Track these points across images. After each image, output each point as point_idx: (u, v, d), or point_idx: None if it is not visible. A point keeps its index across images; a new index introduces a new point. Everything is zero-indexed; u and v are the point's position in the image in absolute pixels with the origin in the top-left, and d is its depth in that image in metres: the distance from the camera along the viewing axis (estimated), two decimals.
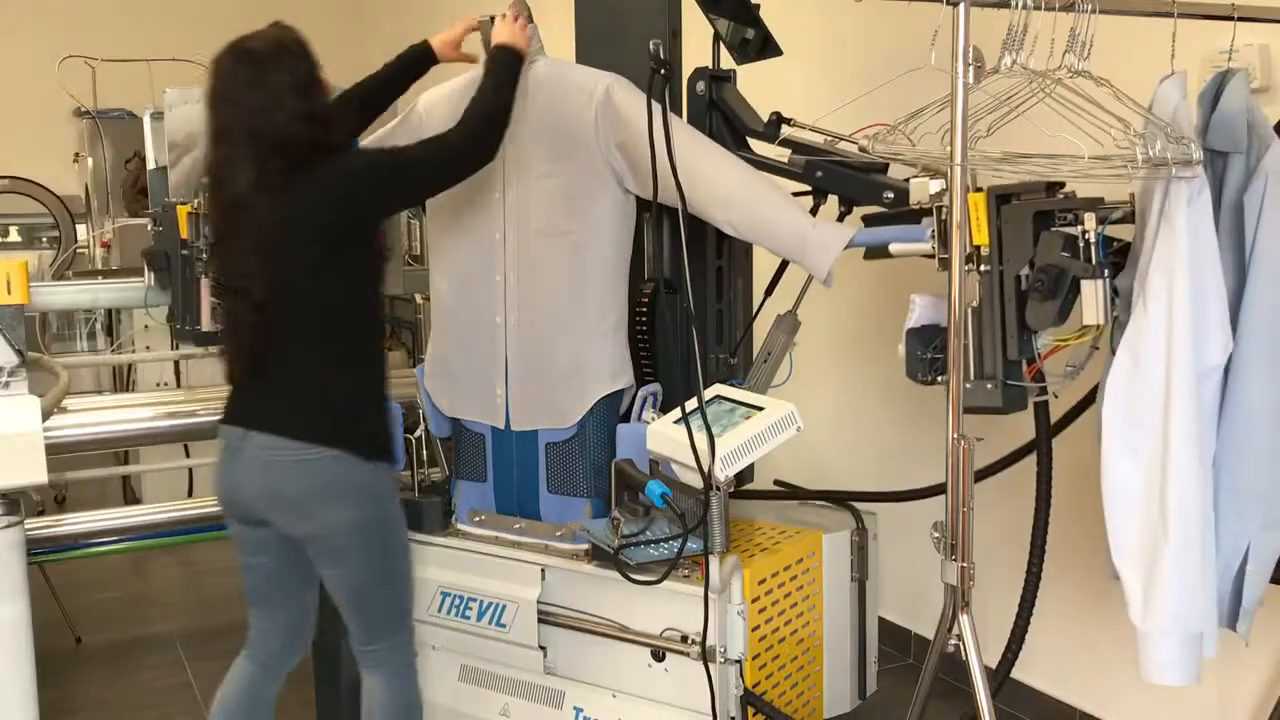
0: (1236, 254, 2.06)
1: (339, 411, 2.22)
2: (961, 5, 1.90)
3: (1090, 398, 2.41)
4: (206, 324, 3.23)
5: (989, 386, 2.06)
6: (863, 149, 2.24)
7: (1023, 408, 2.10)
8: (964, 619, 2.06)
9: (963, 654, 2.07)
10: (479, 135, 2.33)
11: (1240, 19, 2.09)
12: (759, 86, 2.83)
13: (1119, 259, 2.11)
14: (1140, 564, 2.02)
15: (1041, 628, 3.05)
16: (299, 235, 2.14)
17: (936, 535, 2.09)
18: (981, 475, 2.50)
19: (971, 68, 1.94)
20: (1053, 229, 2.03)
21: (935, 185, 2.02)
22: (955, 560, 2.06)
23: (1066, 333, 2.08)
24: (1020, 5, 1.94)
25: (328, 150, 2.16)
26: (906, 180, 2.18)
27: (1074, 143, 1.95)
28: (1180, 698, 2.71)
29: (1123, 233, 2.13)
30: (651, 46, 2.49)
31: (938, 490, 2.33)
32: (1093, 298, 2.00)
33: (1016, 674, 3.13)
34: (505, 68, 2.43)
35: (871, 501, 3.01)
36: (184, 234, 3.26)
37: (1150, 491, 2.01)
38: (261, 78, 2.13)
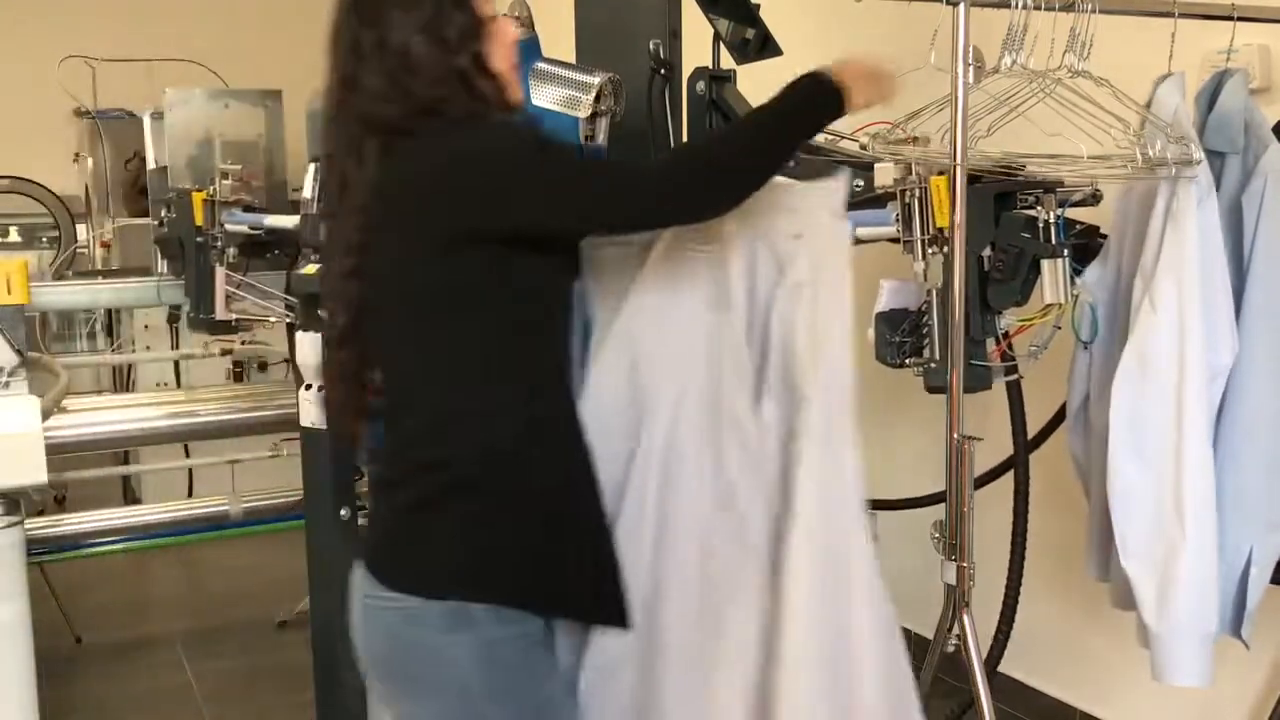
0: (1234, 254, 2.06)
1: None
2: (961, 5, 1.90)
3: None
4: (221, 312, 3.19)
5: None
6: (864, 147, 2.24)
7: (987, 387, 2.10)
8: (964, 619, 2.06)
9: (963, 654, 2.07)
10: (705, 177, 1.55)
11: (1240, 19, 2.09)
12: (759, 86, 2.83)
13: (1082, 240, 2.13)
14: (1153, 565, 2.00)
15: (1041, 628, 3.06)
16: None
17: (936, 536, 2.09)
18: (981, 482, 2.50)
19: (971, 68, 1.94)
20: (1013, 210, 2.05)
21: (899, 170, 2.05)
22: (955, 560, 2.06)
23: (1029, 313, 2.09)
24: (1020, 5, 1.94)
25: None
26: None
27: (1074, 143, 1.95)
28: (1180, 697, 2.71)
29: (1083, 215, 2.14)
30: (651, 46, 2.49)
31: (936, 499, 2.33)
32: (1052, 277, 2.02)
33: (1017, 674, 3.14)
34: (805, 106, 1.65)
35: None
36: (199, 221, 3.23)
37: (1161, 492, 1.99)
38: None
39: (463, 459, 1.47)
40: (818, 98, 1.63)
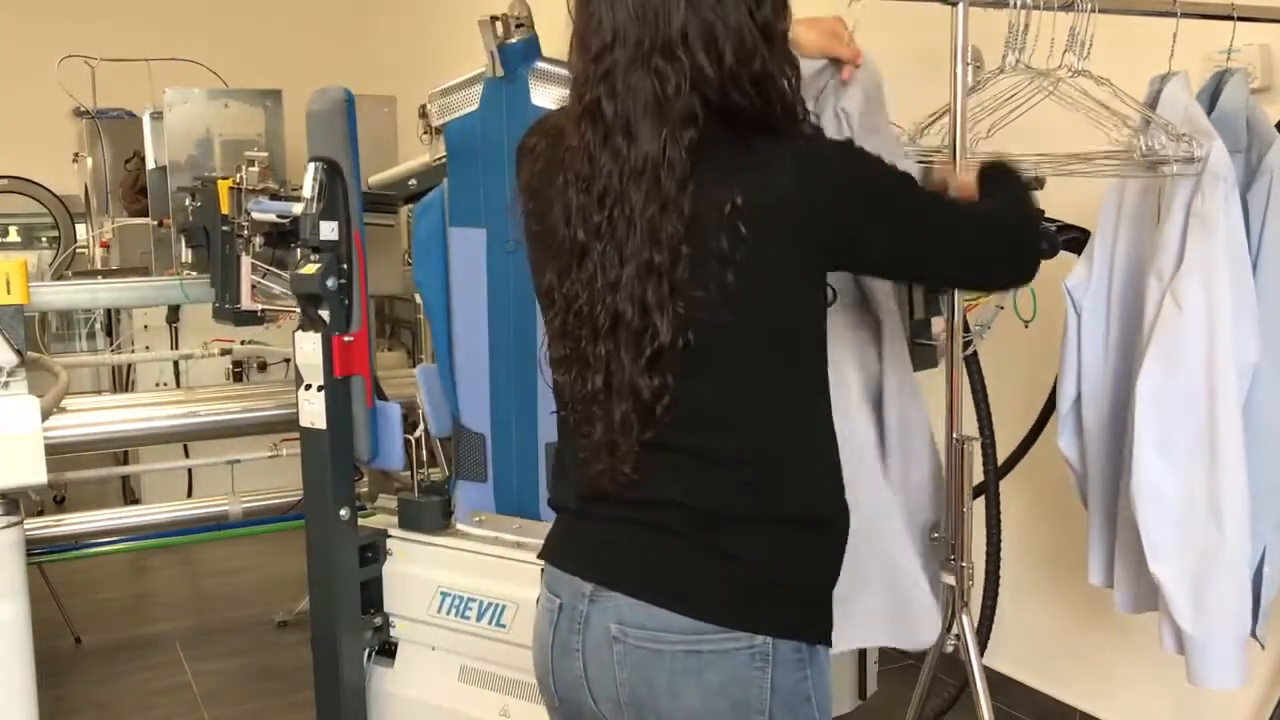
0: None
1: None
2: (961, 5, 1.90)
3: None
4: (246, 302, 3.13)
5: None
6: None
7: (933, 365, 2.10)
8: (964, 619, 2.06)
9: (962, 654, 2.07)
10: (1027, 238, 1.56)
11: (1240, 19, 2.09)
12: None
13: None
14: (1185, 568, 1.98)
15: (1041, 628, 3.06)
16: None
17: (936, 536, 2.09)
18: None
19: (971, 67, 1.94)
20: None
21: None
22: (955, 560, 2.06)
23: (972, 293, 2.09)
24: (1019, 5, 1.94)
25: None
26: None
27: (1073, 142, 1.95)
28: (1180, 697, 2.71)
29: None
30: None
31: None
32: None
33: (1016, 674, 3.14)
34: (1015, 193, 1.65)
35: None
36: (224, 209, 3.17)
37: (1193, 493, 1.98)
38: None
39: (799, 488, 1.36)
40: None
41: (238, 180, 3.12)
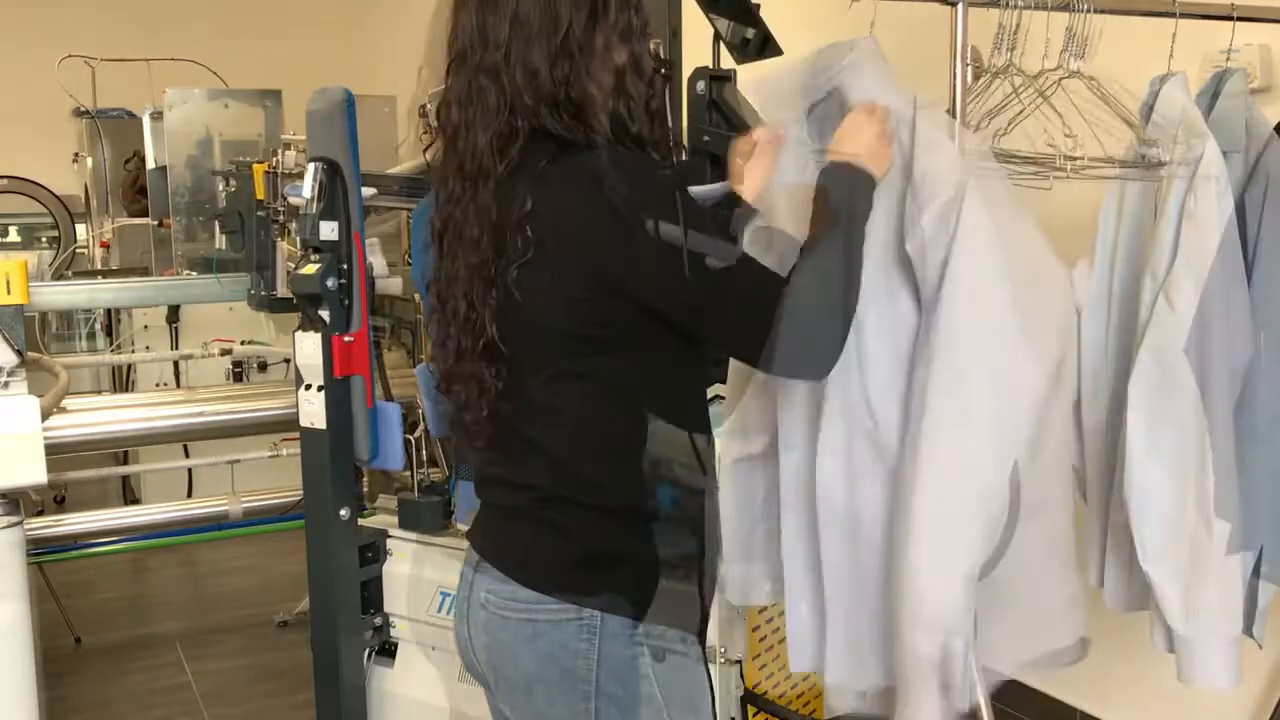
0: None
1: None
2: (960, 5, 1.90)
3: None
4: (282, 290, 3.07)
5: None
6: None
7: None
8: None
9: None
10: (818, 325, 1.36)
11: (1240, 19, 2.09)
12: None
13: None
14: (1177, 566, 1.98)
15: None
16: None
17: None
18: None
19: (970, 68, 1.93)
20: None
21: None
22: None
23: None
24: (1013, 4, 1.93)
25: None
26: None
27: (1072, 142, 1.95)
28: (1180, 697, 2.71)
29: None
30: (651, 45, 2.49)
31: None
32: None
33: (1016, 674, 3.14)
34: (853, 210, 1.47)
35: None
36: (259, 194, 3.11)
37: (1184, 493, 1.97)
38: None
39: (617, 482, 1.42)
40: (856, 198, 1.49)
41: (274, 164, 3.07)
